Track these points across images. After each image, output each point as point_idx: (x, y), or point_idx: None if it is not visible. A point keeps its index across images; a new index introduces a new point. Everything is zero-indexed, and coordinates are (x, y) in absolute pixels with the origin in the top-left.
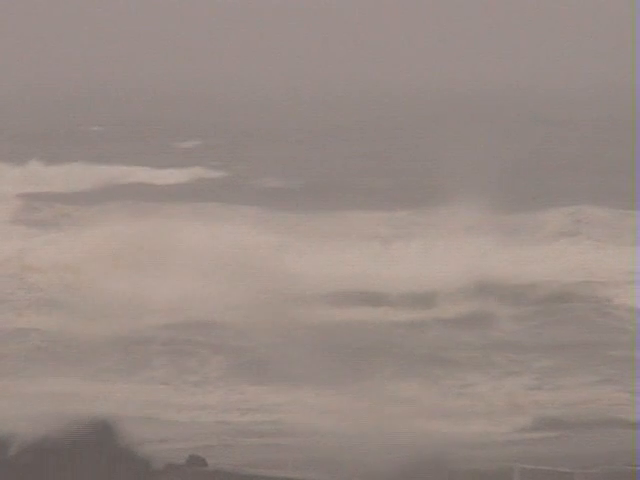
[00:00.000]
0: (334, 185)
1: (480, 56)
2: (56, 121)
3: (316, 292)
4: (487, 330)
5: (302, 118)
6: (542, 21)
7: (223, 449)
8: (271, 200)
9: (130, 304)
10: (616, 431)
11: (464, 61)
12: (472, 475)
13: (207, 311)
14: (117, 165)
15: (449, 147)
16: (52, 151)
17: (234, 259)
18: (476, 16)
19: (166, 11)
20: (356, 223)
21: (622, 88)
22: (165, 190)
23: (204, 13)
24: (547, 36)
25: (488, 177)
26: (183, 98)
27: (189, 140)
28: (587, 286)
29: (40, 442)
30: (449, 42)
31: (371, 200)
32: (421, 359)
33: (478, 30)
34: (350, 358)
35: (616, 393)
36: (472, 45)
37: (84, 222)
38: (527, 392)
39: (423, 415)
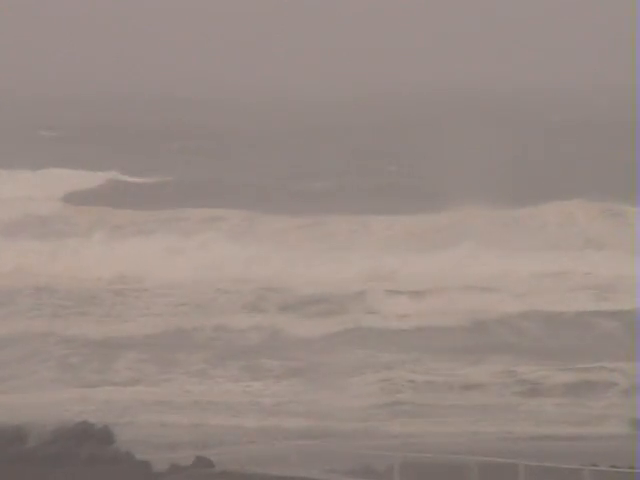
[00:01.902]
0: (329, 185)
1: (480, 56)
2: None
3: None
4: None
5: (300, 118)
6: (543, 22)
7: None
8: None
9: None
10: None
11: (463, 61)
12: (477, 469)
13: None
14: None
15: (447, 147)
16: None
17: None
18: (476, 16)
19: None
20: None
21: (622, 88)
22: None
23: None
24: (548, 37)
25: (484, 177)
26: (173, 100)
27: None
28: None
29: (41, 447)
30: (448, 42)
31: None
32: None
33: (478, 30)
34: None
35: None
36: (472, 45)
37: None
38: None
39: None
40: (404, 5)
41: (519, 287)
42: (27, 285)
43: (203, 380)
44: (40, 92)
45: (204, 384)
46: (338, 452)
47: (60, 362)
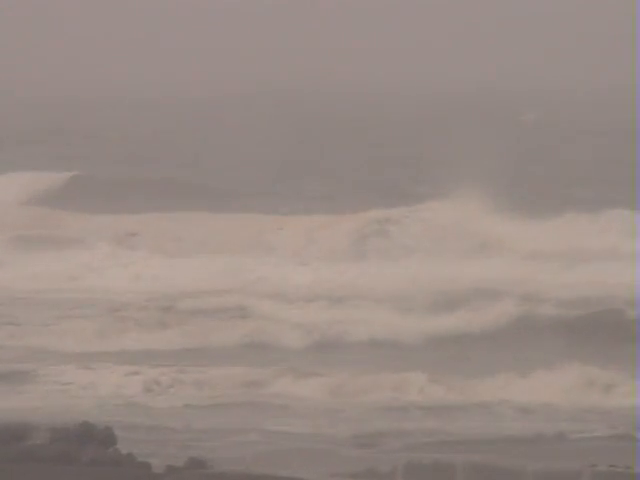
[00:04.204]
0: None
1: (480, 57)
2: None
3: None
4: None
5: (298, 117)
6: (544, 23)
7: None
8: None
9: None
10: None
11: (461, 61)
12: (483, 470)
13: None
14: None
15: (444, 149)
16: None
17: None
18: (475, 17)
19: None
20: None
21: (622, 90)
22: None
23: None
24: (549, 38)
25: (483, 179)
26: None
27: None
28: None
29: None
30: (448, 43)
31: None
32: None
33: (475, 30)
34: None
35: None
36: (471, 46)
37: None
38: None
39: None
40: (400, 5)
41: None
42: None
43: None
44: None
45: None
46: (339, 454)
47: None
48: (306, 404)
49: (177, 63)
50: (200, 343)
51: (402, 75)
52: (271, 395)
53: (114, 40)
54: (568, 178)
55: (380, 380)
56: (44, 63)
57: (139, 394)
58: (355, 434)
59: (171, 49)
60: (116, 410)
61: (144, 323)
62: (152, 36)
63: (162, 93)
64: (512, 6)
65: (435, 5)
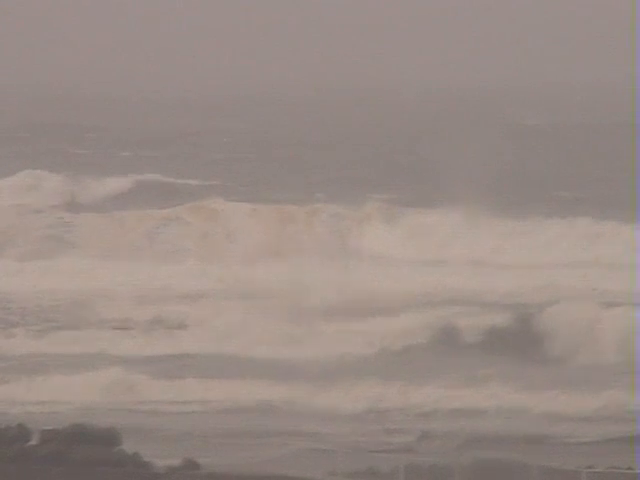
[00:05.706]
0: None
1: (478, 58)
2: None
3: None
4: None
5: (297, 118)
6: (543, 25)
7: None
8: None
9: None
10: None
11: (462, 63)
12: (487, 471)
13: None
14: None
15: (441, 151)
16: None
17: None
18: (474, 18)
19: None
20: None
21: (622, 91)
22: None
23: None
24: (547, 39)
25: (478, 183)
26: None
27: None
28: None
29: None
30: (445, 44)
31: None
32: None
33: (476, 32)
34: None
35: None
36: (470, 47)
37: None
38: None
39: None
40: (396, 6)
41: None
42: None
43: None
44: None
45: None
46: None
47: None
48: None
49: (181, 62)
50: None
51: (401, 75)
52: None
53: (114, 39)
54: (562, 180)
55: None
56: (43, 61)
57: None
58: None
59: (176, 48)
60: None
61: None
62: (152, 35)
63: (163, 93)
64: (512, 7)
65: (436, 6)
